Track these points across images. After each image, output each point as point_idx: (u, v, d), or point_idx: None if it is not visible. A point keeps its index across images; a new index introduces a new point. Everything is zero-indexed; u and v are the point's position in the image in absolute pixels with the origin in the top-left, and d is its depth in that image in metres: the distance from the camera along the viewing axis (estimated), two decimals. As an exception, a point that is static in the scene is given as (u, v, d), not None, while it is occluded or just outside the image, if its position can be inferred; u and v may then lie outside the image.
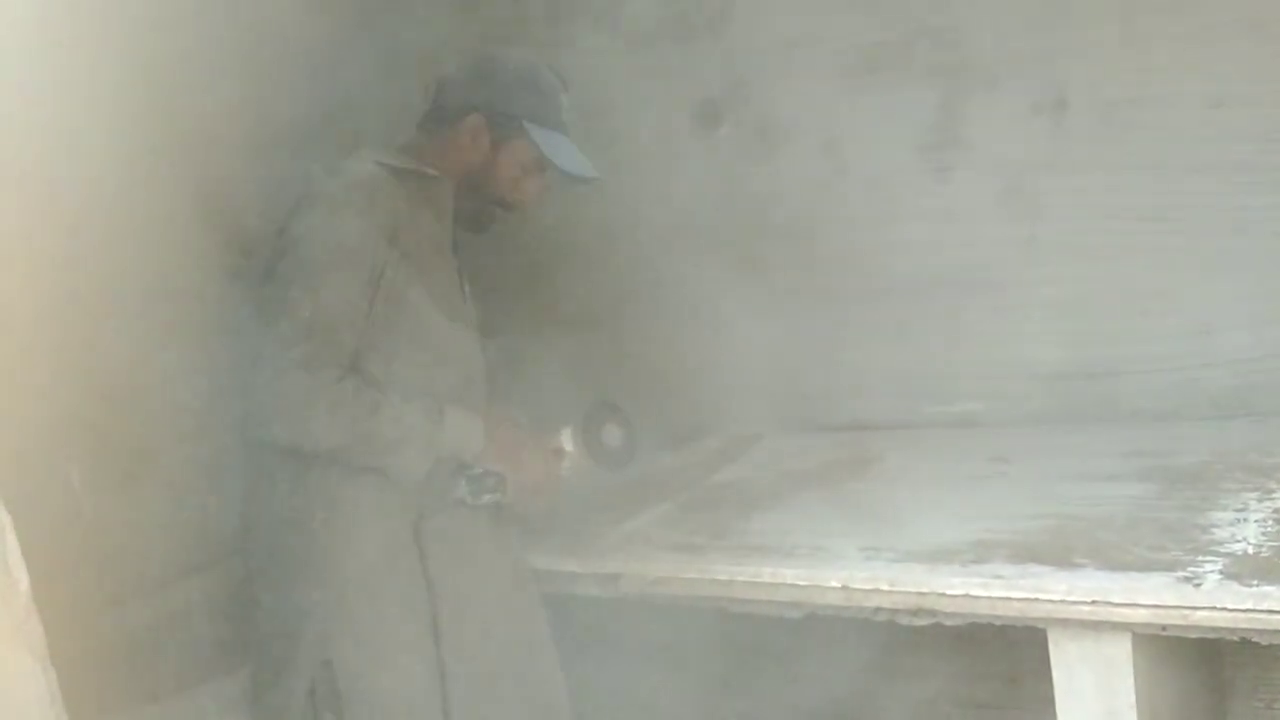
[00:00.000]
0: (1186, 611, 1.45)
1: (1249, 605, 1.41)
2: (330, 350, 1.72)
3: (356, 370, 1.76)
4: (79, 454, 1.95)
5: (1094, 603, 1.50)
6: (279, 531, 1.81)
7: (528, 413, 2.08)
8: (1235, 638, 1.44)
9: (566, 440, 2.00)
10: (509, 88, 1.95)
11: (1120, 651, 1.51)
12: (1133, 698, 1.51)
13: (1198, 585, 1.46)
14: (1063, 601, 1.53)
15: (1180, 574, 1.50)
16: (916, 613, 1.65)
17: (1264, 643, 1.43)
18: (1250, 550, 1.56)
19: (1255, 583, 1.43)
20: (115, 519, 2.01)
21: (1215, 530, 1.65)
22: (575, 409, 2.06)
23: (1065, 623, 1.54)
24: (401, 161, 1.89)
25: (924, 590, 1.64)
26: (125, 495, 2.04)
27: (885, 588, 1.67)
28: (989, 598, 1.59)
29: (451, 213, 1.96)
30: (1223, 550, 1.57)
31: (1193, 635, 1.46)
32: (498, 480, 1.87)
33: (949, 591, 1.62)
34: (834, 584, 1.72)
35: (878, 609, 1.69)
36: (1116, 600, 1.49)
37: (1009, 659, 2.28)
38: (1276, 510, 1.70)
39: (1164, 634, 1.48)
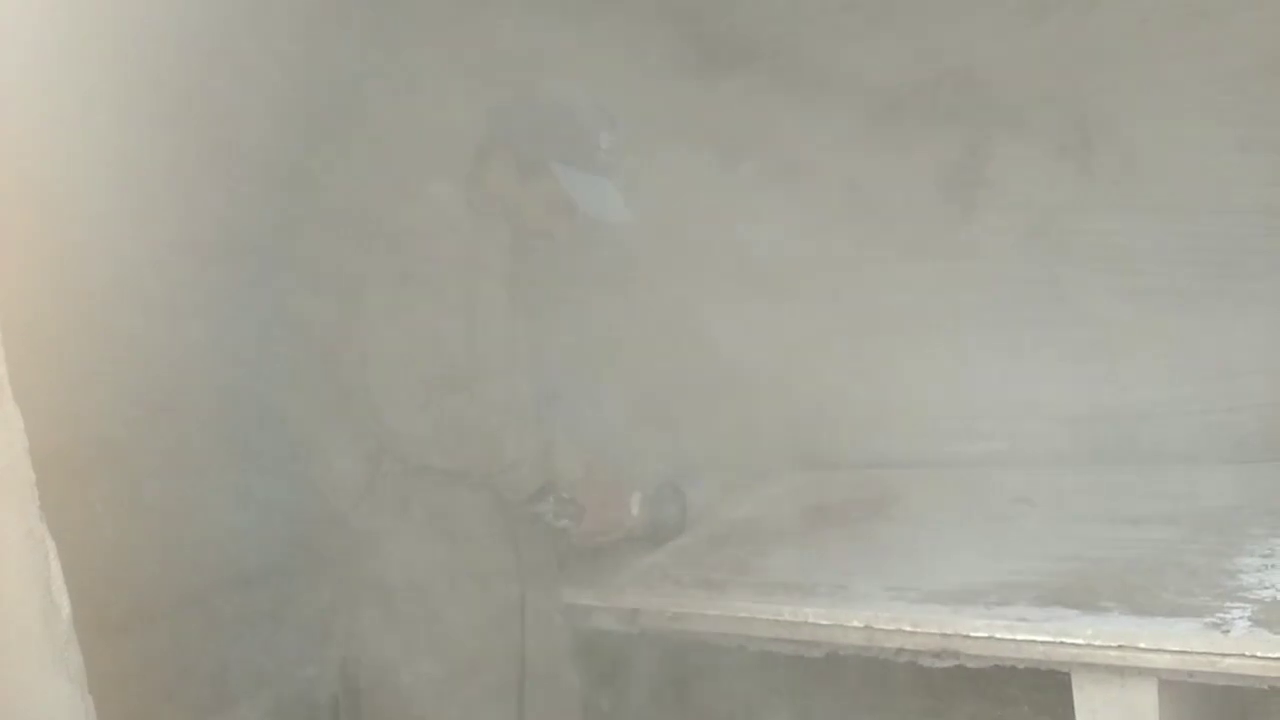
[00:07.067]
0: (1215, 658, 1.43)
1: (1279, 654, 1.39)
2: (460, 374, 1.81)
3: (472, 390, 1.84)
4: (101, 476, 1.97)
5: (1120, 647, 1.49)
6: (386, 534, 1.87)
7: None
8: (1264, 686, 1.43)
9: (634, 504, 2.15)
10: (537, 126, 1.97)
11: (1146, 697, 1.50)
12: (1158, 745, 1.49)
13: (1226, 632, 1.45)
14: (1088, 645, 1.51)
15: (1208, 620, 1.49)
16: (940, 654, 1.64)
17: (1294, 691, 1.42)
18: (1279, 597, 1.54)
19: (1285, 631, 1.42)
20: (135, 542, 2.02)
21: (1243, 576, 1.64)
22: (646, 479, 2.23)
23: (1090, 667, 1.52)
24: (470, 196, 1.95)
25: (948, 632, 1.63)
26: (146, 518, 2.04)
27: (908, 628, 1.66)
28: (1013, 640, 1.58)
29: (503, 246, 2.00)
30: (1251, 596, 1.55)
31: (1220, 682, 1.45)
32: (578, 511, 1.99)
33: (973, 633, 1.61)
34: (856, 624, 1.71)
35: (900, 650, 1.67)
36: (1143, 645, 1.48)
37: (1030, 702, 2.26)
38: (1305, 557, 1.68)
39: (1190, 680, 1.46)
